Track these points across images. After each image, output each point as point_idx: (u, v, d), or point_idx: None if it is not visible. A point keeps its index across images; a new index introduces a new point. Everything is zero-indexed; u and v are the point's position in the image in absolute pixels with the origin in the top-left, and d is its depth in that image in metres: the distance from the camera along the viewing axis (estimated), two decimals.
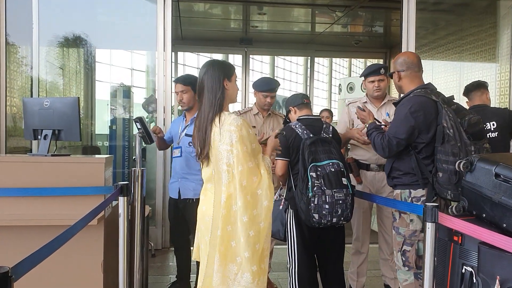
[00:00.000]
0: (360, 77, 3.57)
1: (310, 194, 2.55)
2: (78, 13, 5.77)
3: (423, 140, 2.58)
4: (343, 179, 2.63)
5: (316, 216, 2.54)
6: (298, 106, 2.99)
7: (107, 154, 5.91)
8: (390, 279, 3.44)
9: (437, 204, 2.16)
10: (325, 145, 2.73)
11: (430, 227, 2.14)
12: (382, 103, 3.42)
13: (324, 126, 2.90)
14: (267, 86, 3.60)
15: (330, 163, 2.64)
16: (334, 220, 2.58)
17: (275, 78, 28.50)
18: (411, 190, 2.64)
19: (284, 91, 28.08)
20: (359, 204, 3.41)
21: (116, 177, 5.59)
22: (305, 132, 2.79)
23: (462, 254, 2.21)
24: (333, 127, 2.98)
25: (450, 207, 2.39)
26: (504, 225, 2.05)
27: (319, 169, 2.61)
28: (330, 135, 2.85)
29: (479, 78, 6.03)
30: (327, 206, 2.54)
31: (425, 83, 2.75)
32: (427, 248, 2.17)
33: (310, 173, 2.58)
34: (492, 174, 2.13)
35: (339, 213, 2.58)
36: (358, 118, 3.16)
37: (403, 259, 2.68)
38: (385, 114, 3.38)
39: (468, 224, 2.04)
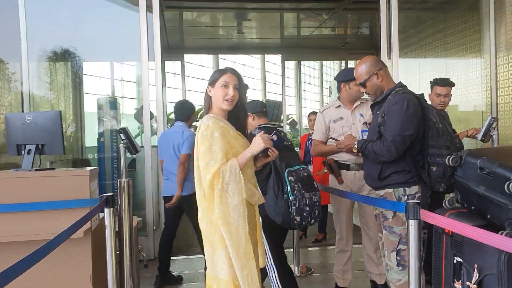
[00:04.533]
0: (334, 79, 3.62)
1: (291, 198, 2.61)
2: (64, 27, 5.77)
3: (418, 135, 2.61)
4: (314, 182, 2.78)
5: (297, 218, 2.63)
6: (257, 114, 3.08)
7: (97, 166, 5.93)
8: (375, 275, 3.48)
9: (418, 202, 2.17)
10: (289, 152, 2.83)
11: (412, 224, 2.15)
12: (355, 105, 3.47)
13: (283, 134, 3.06)
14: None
15: (301, 168, 2.77)
16: (312, 221, 2.72)
17: (267, 82, 28.45)
18: (406, 188, 2.64)
19: (276, 96, 28.19)
20: (342, 203, 3.46)
21: (106, 189, 5.57)
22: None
23: (453, 245, 2.28)
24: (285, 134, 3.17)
25: (444, 201, 2.44)
26: (489, 216, 2.11)
27: (294, 173, 2.69)
28: (289, 143, 3.00)
29: (464, 74, 6.09)
30: (307, 208, 2.65)
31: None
32: (411, 245, 2.18)
33: (289, 178, 2.66)
34: (477, 168, 2.19)
35: (316, 214, 2.71)
36: (334, 131, 3.39)
37: (398, 258, 2.66)
38: (358, 115, 3.44)
39: (445, 219, 2.10)
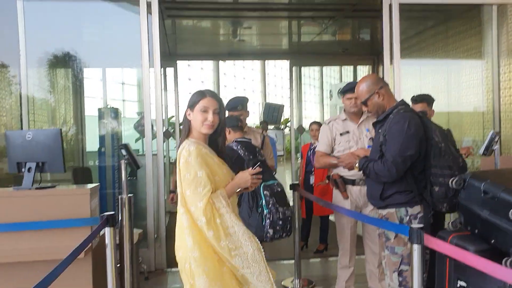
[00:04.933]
0: (338, 93, 3.63)
1: (266, 211, 2.74)
2: (65, 32, 5.76)
3: (420, 155, 2.58)
4: (286, 198, 2.90)
5: (271, 231, 2.78)
6: (233, 128, 3.20)
7: (97, 174, 5.90)
8: None
9: (422, 226, 2.15)
10: (263, 167, 2.84)
11: (416, 249, 2.13)
12: (361, 120, 3.45)
13: (257, 149, 3.16)
14: (229, 105, 3.70)
15: (276, 183, 2.91)
16: (284, 235, 2.88)
17: (266, 85, 28.38)
18: (408, 208, 2.62)
19: (276, 98, 28.22)
20: (347, 220, 3.43)
21: (106, 199, 5.55)
22: (246, 153, 3.04)
23: (456, 268, 2.26)
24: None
25: (448, 222, 2.42)
26: (493, 241, 2.08)
27: (268, 188, 2.82)
28: (264, 158, 3.10)
29: (467, 78, 6.07)
30: (280, 222, 2.81)
31: (405, 97, 2.79)
32: (415, 269, 2.16)
33: (264, 192, 2.79)
34: (480, 191, 2.17)
35: (288, 228, 2.87)
36: (340, 144, 3.39)
37: (400, 279, 2.65)
38: (365, 130, 3.42)
39: (448, 246, 2.09)
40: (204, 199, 2.06)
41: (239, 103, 3.65)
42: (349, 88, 3.42)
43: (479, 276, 2.08)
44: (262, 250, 2.18)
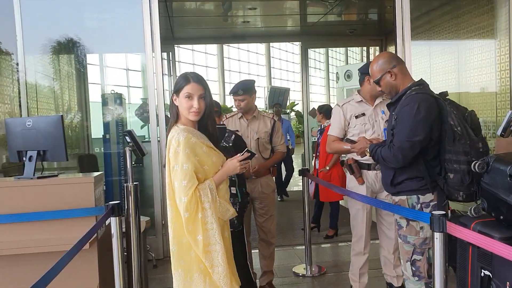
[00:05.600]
0: (358, 70, 3.41)
1: None
2: (67, 17, 5.64)
3: (432, 140, 2.42)
4: (232, 188, 2.78)
5: None
6: None
7: (103, 161, 5.82)
8: (392, 277, 3.37)
9: (444, 213, 2.03)
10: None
11: (438, 237, 2.02)
12: (377, 102, 3.28)
13: (226, 135, 3.08)
14: (231, 90, 3.60)
15: None
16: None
17: (272, 68, 28.11)
18: (420, 196, 2.48)
19: (281, 82, 28.00)
20: (362, 206, 3.30)
21: (112, 186, 5.48)
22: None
23: (480, 257, 2.15)
24: (236, 135, 3.15)
25: (469, 208, 2.28)
26: None
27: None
28: (230, 144, 3.01)
29: (478, 57, 5.89)
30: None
31: (414, 77, 2.62)
32: (437, 259, 2.05)
33: (232, 178, 2.77)
34: (506, 175, 2.04)
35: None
36: (355, 127, 3.24)
37: (413, 269, 2.54)
38: (380, 112, 3.26)
39: (473, 233, 1.96)
40: (188, 193, 2.05)
41: (240, 88, 3.52)
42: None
43: (505, 265, 1.96)
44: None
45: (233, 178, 2.77)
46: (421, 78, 2.60)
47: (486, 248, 1.90)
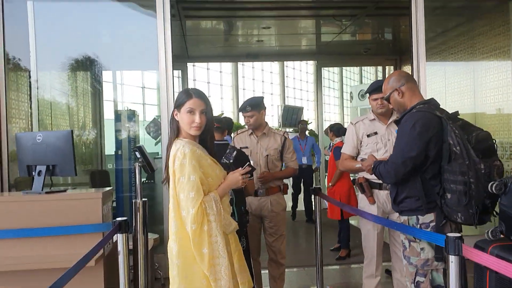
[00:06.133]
0: (365, 94, 3.43)
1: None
2: (82, 35, 5.73)
3: (429, 158, 2.36)
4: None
5: None
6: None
7: (115, 178, 5.83)
8: None
9: (460, 235, 1.94)
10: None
11: (453, 260, 1.93)
12: (391, 120, 3.25)
13: (228, 151, 3.05)
14: (240, 107, 3.62)
15: None
16: None
17: (286, 87, 28.22)
18: (419, 216, 2.42)
19: (295, 101, 28.02)
20: (373, 225, 3.23)
21: (123, 202, 5.46)
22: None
23: (498, 283, 2.05)
24: (238, 151, 3.12)
25: (486, 231, 2.19)
26: None
27: None
28: (231, 161, 2.98)
29: (494, 77, 5.81)
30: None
31: (425, 97, 2.58)
32: (452, 284, 1.95)
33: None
34: None
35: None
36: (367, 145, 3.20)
37: None
38: (394, 131, 3.20)
39: (491, 257, 1.85)
40: (196, 205, 2.04)
41: (248, 104, 3.52)
42: (374, 88, 3.24)
43: None
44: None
45: (230, 196, 2.76)
46: (432, 98, 2.57)
47: (505, 274, 1.80)
